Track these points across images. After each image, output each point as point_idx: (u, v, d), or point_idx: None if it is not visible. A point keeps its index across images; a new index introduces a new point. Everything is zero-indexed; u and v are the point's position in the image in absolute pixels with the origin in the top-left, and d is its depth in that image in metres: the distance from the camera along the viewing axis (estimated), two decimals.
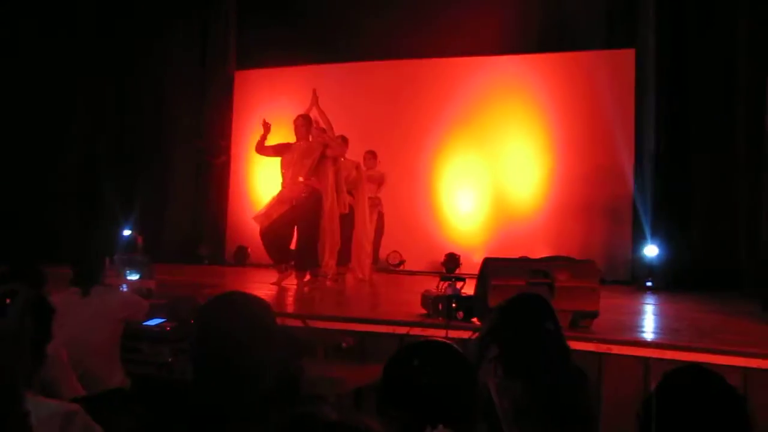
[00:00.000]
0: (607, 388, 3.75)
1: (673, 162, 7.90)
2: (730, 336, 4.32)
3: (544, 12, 9.09)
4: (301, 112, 7.05)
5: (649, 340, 4.19)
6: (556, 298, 3.98)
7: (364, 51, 9.50)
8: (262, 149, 7.04)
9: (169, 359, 3.64)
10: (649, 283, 7.63)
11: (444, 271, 8.68)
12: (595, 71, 8.68)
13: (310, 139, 6.95)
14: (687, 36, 7.90)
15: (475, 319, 4.36)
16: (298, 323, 4.37)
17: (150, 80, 9.63)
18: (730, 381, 1.63)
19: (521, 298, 2.16)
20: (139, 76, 9.49)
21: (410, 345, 1.81)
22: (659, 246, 7.75)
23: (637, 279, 8.04)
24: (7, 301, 1.83)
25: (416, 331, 4.18)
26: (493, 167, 9.34)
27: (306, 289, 6.63)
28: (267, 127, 6.98)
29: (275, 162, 7.06)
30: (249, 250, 9.57)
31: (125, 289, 4.56)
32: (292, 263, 6.79)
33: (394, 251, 9.38)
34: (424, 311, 4.75)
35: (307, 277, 6.77)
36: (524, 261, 4.76)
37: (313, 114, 7.05)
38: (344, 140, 7.60)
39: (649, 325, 5.29)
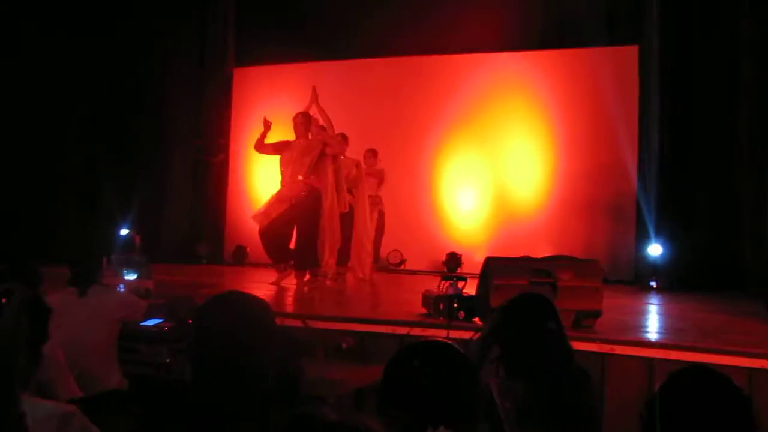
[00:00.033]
0: (611, 389, 3.74)
1: (677, 161, 7.88)
2: (734, 336, 4.30)
3: (546, 8, 9.06)
4: (301, 109, 7.03)
5: (652, 340, 4.17)
6: (559, 297, 3.97)
7: (365, 48, 9.46)
8: (261, 147, 7.01)
9: (167, 360, 3.63)
10: (652, 283, 7.60)
11: (445, 270, 8.65)
12: (598, 68, 8.62)
13: (310, 136, 6.93)
14: (691, 35, 7.89)
15: (476, 319, 4.34)
16: (297, 323, 4.36)
17: (148, 78, 9.60)
18: (735, 382, 1.62)
19: (523, 298, 2.15)
20: (137, 73, 9.46)
21: (411, 345, 1.79)
22: (663, 245, 7.72)
23: (640, 278, 8.02)
24: (3, 300, 1.81)
25: (417, 331, 4.17)
26: (494, 165, 9.31)
27: (306, 288, 6.61)
28: (267, 125, 6.95)
29: (274, 160, 7.04)
30: (248, 249, 9.55)
31: (123, 289, 4.55)
32: (292, 263, 6.77)
33: (395, 250, 9.36)
34: (425, 311, 4.73)
35: (307, 276, 6.75)
36: (526, 260, 4.74)
37: (313, 111, 7.02)
38: (344, 138, 7.58)
39: (652, 325, 5.27)
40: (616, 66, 8.67)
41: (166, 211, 9.88)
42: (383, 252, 9.04)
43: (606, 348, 3.85)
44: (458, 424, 1.63)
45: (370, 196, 7.89)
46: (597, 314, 4.24)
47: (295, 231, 6.77)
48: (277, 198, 6.80)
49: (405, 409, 1.64)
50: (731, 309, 5.87)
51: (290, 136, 6.98)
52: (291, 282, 6.70)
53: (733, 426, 1.56)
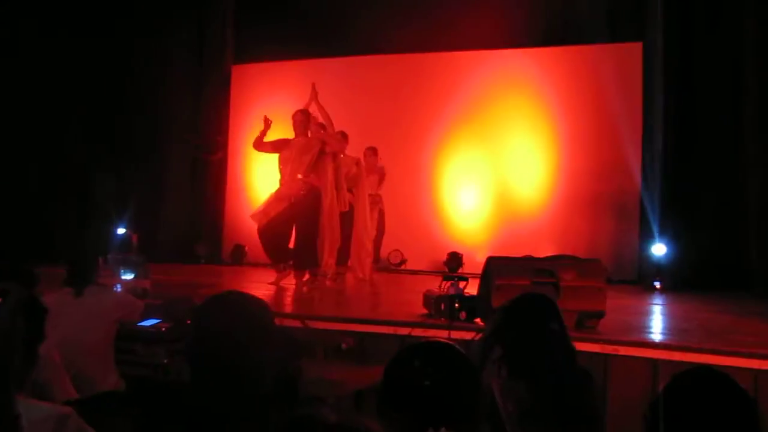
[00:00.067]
0: (614, 390, 3.72)
1: (682, 159, 7.85)
2: (740, 337, 4.28)
3: (549, 4, 8.99)
4: (300, 107, 7.01)
5: (656, 341, 4.16)
6: (562, 298, 3.96)
7: (365, 45, 9.41)
8: (260, 145, 6.99)
9: (165, 361, 3.62)
10: (656, 283, 7.55)
11: (446, 270, 8.63)
12: (601, 65, 8.59)
13: (309, 134, 6.90)
14: (695, 32, 7.86)
15: (478, 320, 4.34)
16: (297, 324, 4.35)
17: (146, 75, 9.57)
18: (740, 383, 1.59)
19: (525, 298, 2.13)
20: (134, 71, 9.44)
21: (411, 346, 1.78)
22: (667, 244, 7.68)
23: (644, 278, 7.96)
24: None
25: (418, 331, 4.16)
26: (496, 164, 9.27)
27: (305, 288, 6.59)
28: (267, 124, 6.93)
29: (273, 158, 7.01)
30: (246, 248, 9.53)
31: (119, 289, 4.53)
32: (291, 262, 6.75)
33: (396, 250, 9.33)
34: (425, 311, 4.72)
35: (306, 276, 6.73)
36: (529, 260, 4.71)
37: (313, 109, 7.00)
38: (344, 136, 7.55)
39: (656, 326, 5.25)
40: (620, 63, 8.63)
41: (163, 210, 9.83)
42: (383, 252, 9.02)
43: (609, 349, 3.84)
44: (460, 425, 1.61)
45: (370, 195, 7.87)
46: (600, 315, 4.22)
47: (295, 230, 6.75)
48: (276, 197, 6.77)
49: (406, 411, 1.62)
50: (736, 309, 5.85)
51: (289, 133, 6.96)
52: (290, 282, 6.68)
53: (738, 428, 1.54)
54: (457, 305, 4.37)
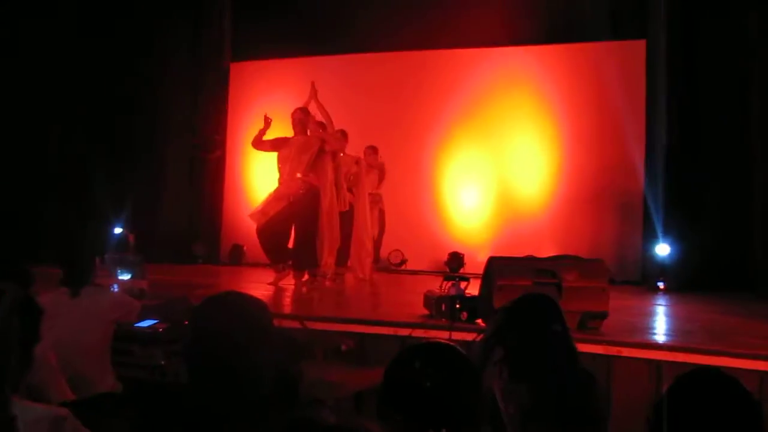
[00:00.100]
0: (617, 392, 3.71)
1: (685, 158, 7.81)
2: (745, 338, 4.26)
3: (552, 2, 8.97)
4: (299, 105, 6.99)
5: (660, 342, 4.14)
6: (564, 298, 3.95)
7: (365, 42, 9.37)
8: (259, 144, 6.97)
9: (162, 362, 3.60)
10: (660, 284, 7.53)
11: (447, 270, 8.61)
12: (604, 63, 8.54)
13: (308, 133, 6.88)
14: (698, 30, 7.83)
15: (479, 321, 4.33)
16: (296, 324, 4.33)
17: (144, 73, 9.55)
18: (744, 385, 1.58)
19: (527, 299, 2.13)
20: (132, 70, 9.42)
21: (412, 347, 1.77)
22: (671, 245, 7.65)
23: (647, 279, 7.94)
24: None
25: (418, 332, 4.15)
26: (498, 163, 9.24)
27: (304, 289, 6.57)
28: (267, 122, 6.92)
29: (272, 157, 6.99)
30: (245, 248, 9.50)
31: (116, 290, 4.53)
32: (290, 262, 6.73)
33: (396, 250, 9.31)
34: (426, 312, 4.72)
35: (306, 276, 6.71)
36: (530, 260, 4.71)
37: (312, 107, 6.99)
38: (344, 134, 7.53)
39: (660, 327, 5.22)
40: (623, 61, 8.59)
41: (160, 210, 9.78)
42: (384, 252, 8.99)
43: (612, 350, 3.83)
44: (460, 427, 1.60)
45: (370, 194, 7.84)
46: (603, 315, 4.21)
47: (294, 230, 6.73)
48: (275, 196, 6.75)
49: (406, 412, 1.61)
50: (741, 310, 5.83)
51: (288, 132, 6.94)
52: (289, 282, 6.67)
53: (743, 431, 1.53)
54: (458, 306, 4.36)
